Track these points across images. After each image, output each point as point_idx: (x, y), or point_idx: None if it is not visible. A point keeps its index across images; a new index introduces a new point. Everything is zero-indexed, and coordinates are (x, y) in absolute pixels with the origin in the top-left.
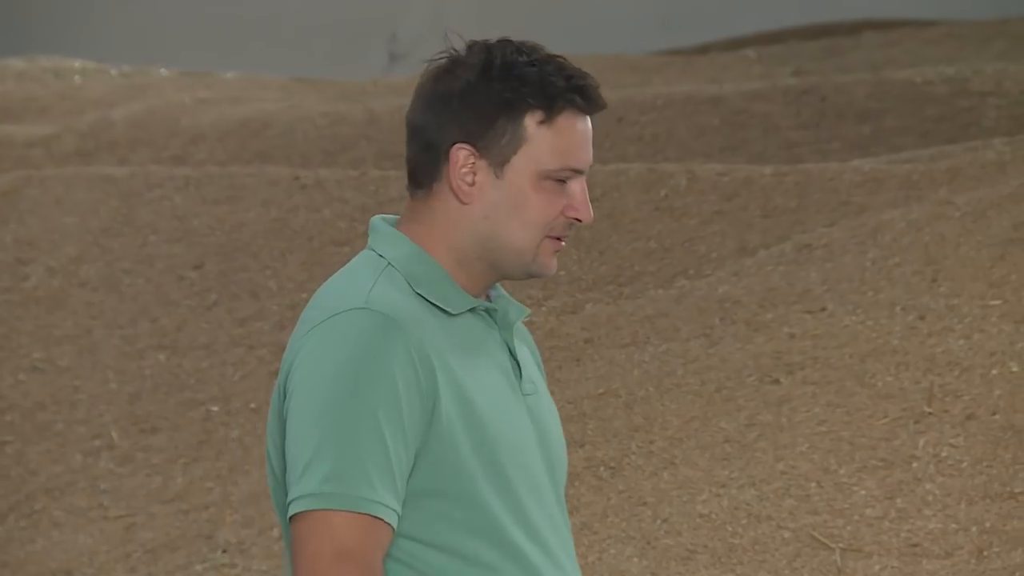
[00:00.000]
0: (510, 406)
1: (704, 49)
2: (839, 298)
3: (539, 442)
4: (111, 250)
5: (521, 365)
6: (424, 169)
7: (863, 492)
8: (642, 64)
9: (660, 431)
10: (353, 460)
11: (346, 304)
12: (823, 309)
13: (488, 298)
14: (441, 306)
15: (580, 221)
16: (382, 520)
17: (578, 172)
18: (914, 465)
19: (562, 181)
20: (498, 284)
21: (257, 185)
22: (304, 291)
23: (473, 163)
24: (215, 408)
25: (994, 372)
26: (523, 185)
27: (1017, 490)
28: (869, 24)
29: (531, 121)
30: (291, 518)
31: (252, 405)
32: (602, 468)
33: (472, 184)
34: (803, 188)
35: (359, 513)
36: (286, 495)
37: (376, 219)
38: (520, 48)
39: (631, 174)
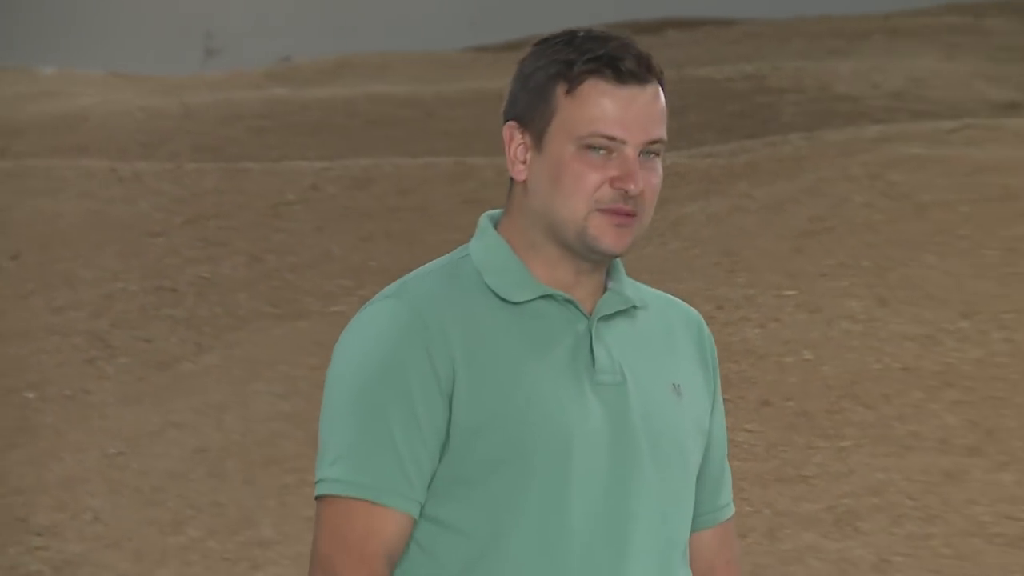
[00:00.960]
0: (566, 395)
1: (512, 46)
2: None
3: (612, 432)
4: None
5: (597, 353)
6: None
7: None
8: (452, 60)
9: None
10: (361, 451)
11: (384, 294)
12: None
13: (603, 289)
14: (503, 296)
15: (627, 192)
16: (384, 506)
17: (615, 140)
18: None
19: (604, 150)
20: (620, 272)
21: (75, 177)
22: (119, 281)
23: (521, 142)
24: (31, 395)
25: (788, 360)
26: (560, 155)
27: (808, 474)
28: (672, 23)
29: (559, 92)
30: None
31: (67, 392)
32: None
33: (525, 162)
34: None
35: (359, 500)
36: None
37: (484, 214)
38: (575, 31)
39: (441, 167)
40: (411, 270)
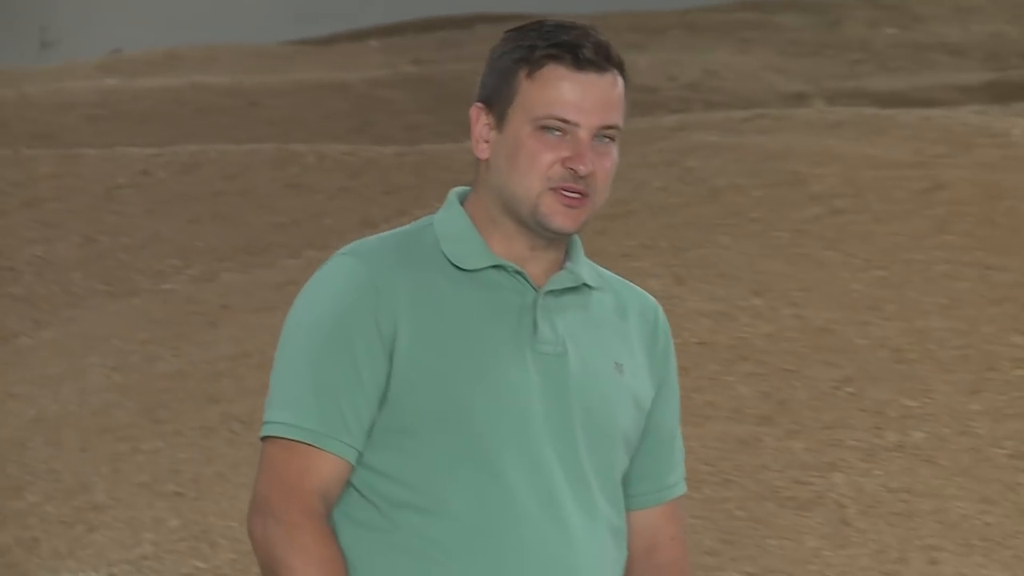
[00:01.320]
0: (505, 358)
1: (331, 40)
2: None
3: (545, 396)
4: None
5: (540, 324)
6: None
7: None
8: (274, 53)
9: None
10: (304, 398)
11: (340, 251)
12: None
13: (557, 267)
14: (456, 263)
15: (577, 172)
16: (322, 450)
17: (569, 123)
18: None
19: (559, 132)
20: (578, 252)
21: None
22: None
23: (486, 122)
24: None
25: None
26: (518, 135)
27: None
28: (482, 18)
29: (521, 75)
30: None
31: None
32: (236, 423)
33: (487, 141)
34: (422, 167)
35: (299, 443)
36: None
37: (452, 190)
38: (543, 21)
39: (264, 153)
40: (236, 249)
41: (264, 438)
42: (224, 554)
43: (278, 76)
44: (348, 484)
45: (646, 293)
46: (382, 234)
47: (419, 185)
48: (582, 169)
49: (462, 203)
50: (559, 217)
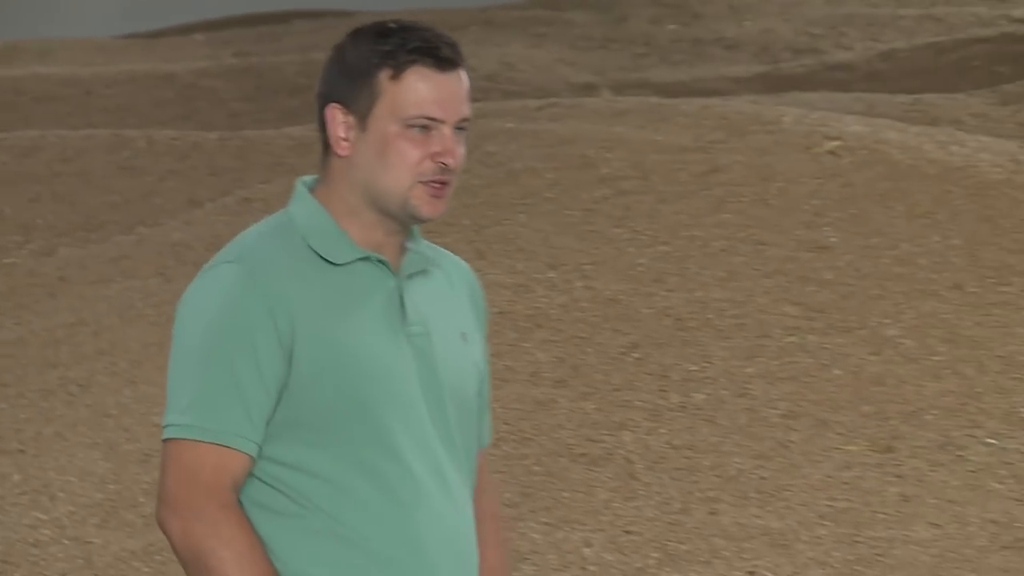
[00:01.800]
0: (385, 344)
1: (159, 34)
2: None
3: (421, 376)
4: None
5: (407, 308)
6: (321, 134)
7: None
8: (108, 46)
9: (123, 355)
10: (210, 399)
11: (223, 258)
12: None
13: (403, 248)
14: (327, 258)
15: (446, 165)
16: (231, 448)
17: (437, 120)
18: None
19: (425, 128)
20: (415, 232)
21: None
22: None
23: (344, 120)
24: None
25: None
26: (384, 133)
27: None
28: (299, 14)
29: (384, 77)
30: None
31: None
32: (73, 386)
33: (346, 139)
34: (244, 151)
35: (208, 443)
36: None
37: (298, 180)
38: (386, 23)
39: (99, 138)
40: (73, 226)
41: (168, 439)
42: (63, 507)
43: (111, 67)
44: (250, 474)
45: (458, 258)
46: (249, 237)
47: (241, 168)
48: (451, 163)
49: (311, 193)
50: (427, 207)
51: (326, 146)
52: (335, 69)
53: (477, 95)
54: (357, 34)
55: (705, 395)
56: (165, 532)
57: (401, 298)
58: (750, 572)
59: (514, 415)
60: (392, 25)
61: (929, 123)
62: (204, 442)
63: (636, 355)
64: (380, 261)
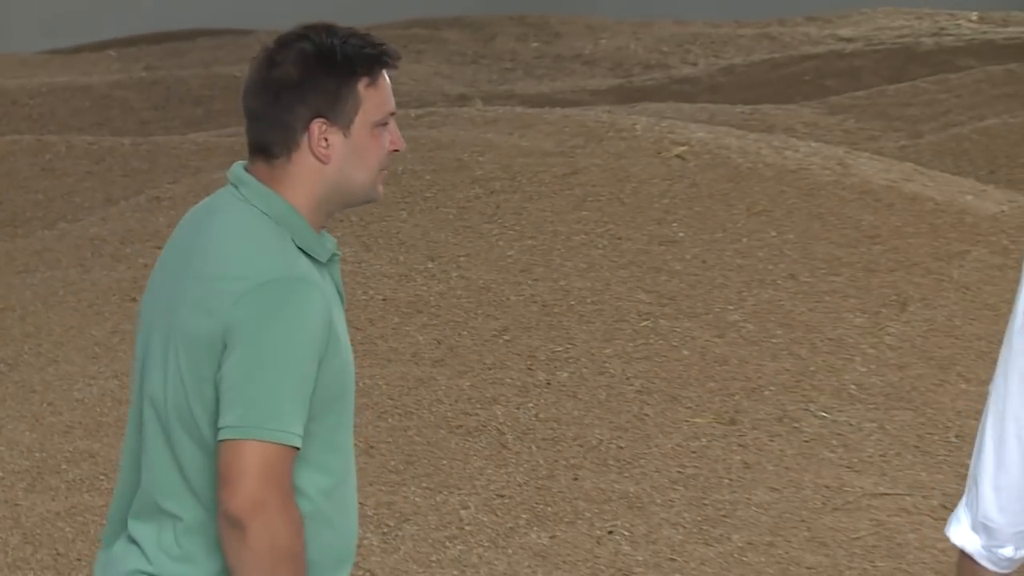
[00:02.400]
0: (347, 339)
1: (77, 50)
2: None
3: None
4: None
5: (344, 298)
6: (281, 143)
7: None
8: (30, 60)
9: (47, 337)
10: (286, 405)
11: (277, 272)
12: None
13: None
14: (316, 257)
15: (399, 151)
16: (296, 448)
17: (393, 115)
18: None
19: (385, 124)
20: None
21: None
22: None
23: (326, 130)
24: None
25: None
26: (364, 137)
27: None
28: (201, 32)
29: (361, 86)
30: (227, 441)
31: None
32: (2, 365)
33: (327, 147)
34: (153, 155)
35: (285, 446)
36: (206, 417)
37: (240, 172)
38: (327, 30)
39: (23, 143)
40: (1, 223)
41: (259, 440)
42: None
43: (34, 80)
44: None
45: None
46: (274, 245)
47: (151, 169)
48: (402, 148)
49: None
50: (382, 189)
51: (276, 154)
52: (311, 85)
53: None
54: (323, 50)
55: (568, 373)
56: (244, 530)
57: (340, 288)
58: (609, 531)
59: (397, 391)
60: (338, 33)
61: (765, 130)
62: (287, 447)
63: (506, 337)
64: (334, 254)
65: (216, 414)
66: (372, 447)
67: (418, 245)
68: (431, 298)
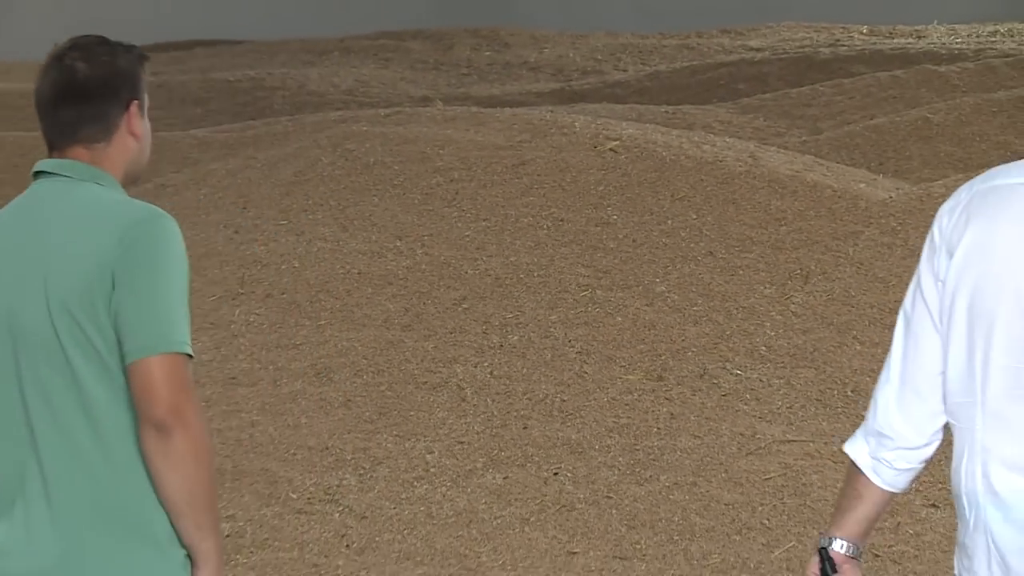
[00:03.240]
0: None
1: None
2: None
3: None
4: None
5: None
6: (103, 128)
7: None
8: None
9: None
10: (185, 322)
11: (154, 212)
12: None
13: None
14: None
15: None
16: (191, 356)
17: None
18: (232, 327)
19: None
20: None
21: None
22: None
23: (138, 111)
24: None
25: (283, 266)
26: (146, 119)
27: (298, 343)
28: (199, 42)
29: (144, 77)
30: (137, 361)
31: None
32: None
33: (137, 124)
34: (159, 149)
35: (186, 355)
36: (98, 338)
37: (62, 162)
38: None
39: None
40: None
41: (176, 353)
42: None
43: None
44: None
45: None
46: (125, 198)
47: (157, 161)
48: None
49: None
50: None
51: (97, 138)
52: (127, 74)
53: (339, 105)
54: (121, 48)
55: (518, 337)
56: (168, 429)
57: None
58: (555, 472)
59: (371, 352)
60: (106, 38)
61: (686, 128)
62: (187, 355)
63: (464, 306)
64: None
65: (110, 343)
66: (350, 400)
67: (388, 226)
68: (399, 272)
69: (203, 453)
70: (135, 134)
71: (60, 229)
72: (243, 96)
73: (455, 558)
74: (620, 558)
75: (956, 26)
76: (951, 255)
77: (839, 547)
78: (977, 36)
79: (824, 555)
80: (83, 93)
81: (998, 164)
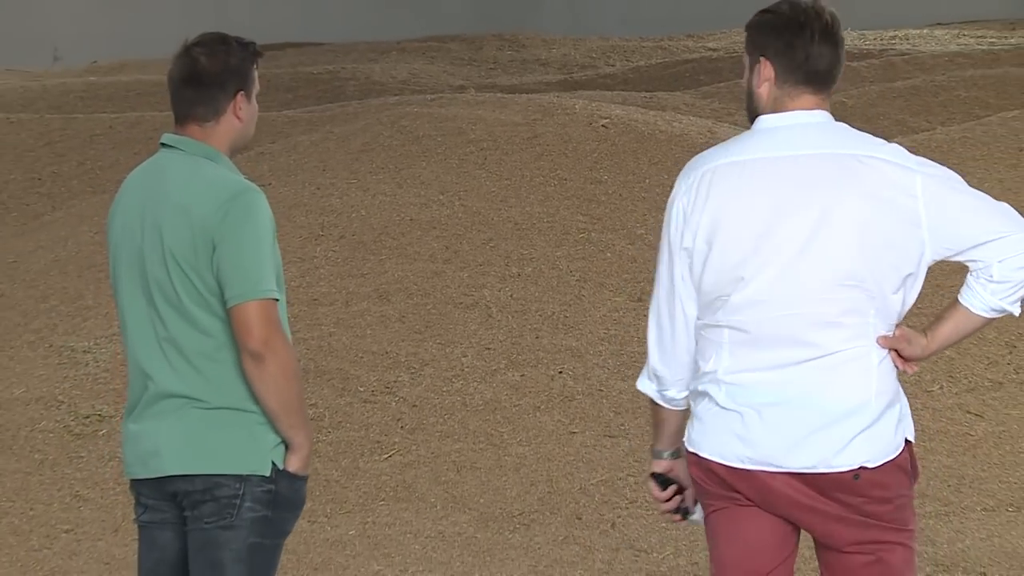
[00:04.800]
0: None
1: None
2: None
3: None
4: None
5: None
6: (212, 111)
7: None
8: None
9: None
10: (272, 274)
11: (247, 187)
12: None
13: None
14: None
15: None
16: (276, 300)
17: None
18: (314, 261)
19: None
20: None
21: None
22: None
23: (243, 99)
24: None
25: (352, 215)
26: (254, 104)
27: (364, 272)
28: (290, 44)
29: (255, 69)
30: (243, 305)
31: None
32: None
33: (242, 109)
34: (261, 125)
35: (272, 299)
36: (204, 288)
37: (180, 138)
38: (223, 34)
39: (156, 120)
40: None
41: (251, 300)
42: None
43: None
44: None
45: None
46: (229, 173)
47: (257, 135)
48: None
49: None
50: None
51: (207, 117)
52: (237, 68)
53: (396, 91)
54: (237, 46)
55: (532, 268)
56: (271, 361)
57: None
58: (559, 371)
59: (420, 280)
60: (238, 38)
61: (660, 109)
62: (273, 299)
63: (491, 245)
64: None
65: (215, 293)
66: (403, 316)
67: (432, 184)
68: (441, 219)
69: (291, 373)
70: (239, 117)
71: (174, 193)
72: (323, 85)
73: (484, 436)
74: (609, 436)
75: (865, 32)
76: (694, 224)
77: (667, 455)
78: (881, 39)
79: (658, 478)
80: (200, 80)
81: (898, 138)
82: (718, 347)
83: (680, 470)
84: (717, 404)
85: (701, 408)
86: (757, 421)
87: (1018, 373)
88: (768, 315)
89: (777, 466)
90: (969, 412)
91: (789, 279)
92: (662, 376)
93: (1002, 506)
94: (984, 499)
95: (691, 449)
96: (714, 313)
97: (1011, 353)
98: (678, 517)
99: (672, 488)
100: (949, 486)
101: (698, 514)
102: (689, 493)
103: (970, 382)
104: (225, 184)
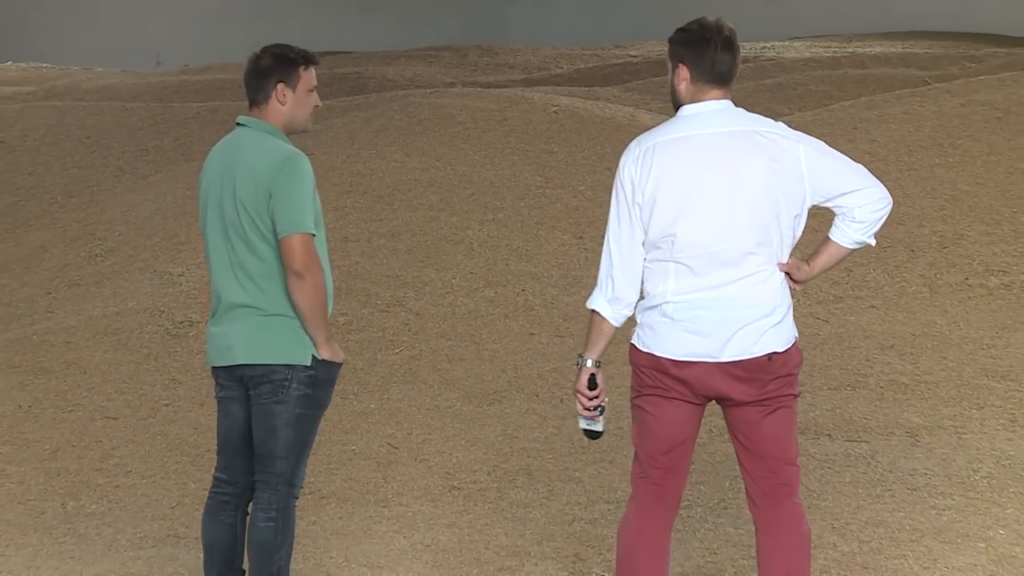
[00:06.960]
0: None
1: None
2: None
3: None
4: None
5: None
6: (263, 96)
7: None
8: (238, 66)
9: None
10: (311, 215)
11: (294, 152)
12: None
13: None
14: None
15: (319, 107)
16: (314, 235)
17: (315, 88)
18: (344, 210)
19: (311, 91)
20: None
21: None
22: None
23: (284, 88)
24: None
25: (372, 175)
26: (302, 94)
27: (381, 217)
28: (327, 52)
29: (301, 69)
30: (289, 237)
31: None
32: None
33: (285, 96)
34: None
35: (310, 234)
36: (263, 226)
37: (248, 118)
38: (287, 46)
39: (224, 109)
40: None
41: (295, 233)
42: None
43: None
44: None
45: None
46: (282, 142)
47: None
48: (320, 106)
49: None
50: (310, 124)
51: (261, 101)
52: (280, 65)
53: (404, 87)
54: (276, 51)
55: (503, 214)
56: (305, 283)
57: None
58: (522, 289)
59: (421, 223)
60: (292, 45)
61: (595, 100)
62: (311, 234)
63: (473, 197)
64: None
65: (270, 229)
66: (409, 249)
67: (430, 153)
68: (436, 178)
69: (319, 289)
70: (280, 102)
71: (244, 156)
72: (351, 82)
73: (467, 336)
74: (558, 336)
75: (742, 43)
76: (643, 185)
77: (595, 363)
78: (754, 48)
79: (590, 380)
80: (254, 75)
81: (820, 108)
82: (664, 275)
83: (600, 375)
84: (668, 316)
85: (653, 320)
86: (700, 325)
87: (854, 290)
88: (703, 250)
89: (714, 357)
90: (818, 319)
91: (716, 222)
92: (621, 298)
93: (842, 386)
94: (829, 381)
95: (645, 350)
96: (660, 251)
97: (848, 275)
98: (596, 413)
99: (598, 388)
100: (804, 372)
101: (600, 425)
102: (603, 394)
103: (819, 296)
104: (279, 150)
